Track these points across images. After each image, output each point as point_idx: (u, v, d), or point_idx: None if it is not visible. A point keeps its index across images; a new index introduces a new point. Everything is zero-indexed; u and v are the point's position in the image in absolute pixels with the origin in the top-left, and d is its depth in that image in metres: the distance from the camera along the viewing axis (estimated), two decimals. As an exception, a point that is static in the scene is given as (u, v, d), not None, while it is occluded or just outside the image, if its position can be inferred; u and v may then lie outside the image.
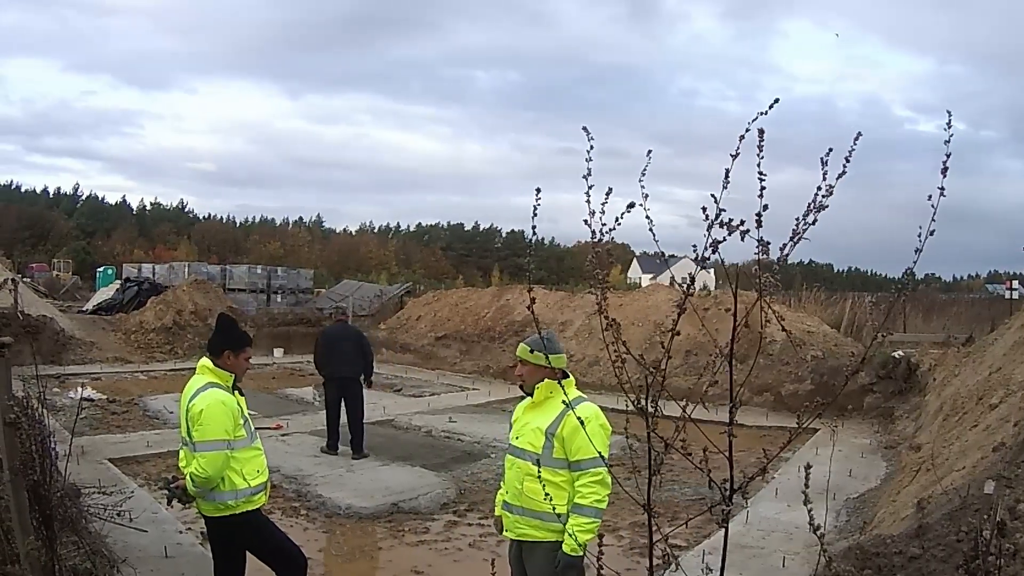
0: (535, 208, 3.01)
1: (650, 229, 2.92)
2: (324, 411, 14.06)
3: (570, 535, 4.95)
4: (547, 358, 5.01)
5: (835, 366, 18.95)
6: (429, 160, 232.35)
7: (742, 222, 2.59)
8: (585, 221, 2.85)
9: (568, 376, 5.30)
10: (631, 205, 2.79)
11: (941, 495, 7.08)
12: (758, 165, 2.61)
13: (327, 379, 14.10)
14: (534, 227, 3.05)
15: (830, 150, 2.59)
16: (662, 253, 3.01)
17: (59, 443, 6.62)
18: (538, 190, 3.05)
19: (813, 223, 2.64)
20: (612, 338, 3.00)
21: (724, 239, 2.64)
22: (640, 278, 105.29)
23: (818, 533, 2.59)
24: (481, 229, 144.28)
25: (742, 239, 2.62)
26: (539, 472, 4.82)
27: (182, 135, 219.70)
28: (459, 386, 23.42)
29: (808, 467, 2.64)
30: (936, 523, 5.47)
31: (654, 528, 7.85)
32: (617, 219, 2.81)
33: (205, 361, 6.05)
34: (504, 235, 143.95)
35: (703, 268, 2.88)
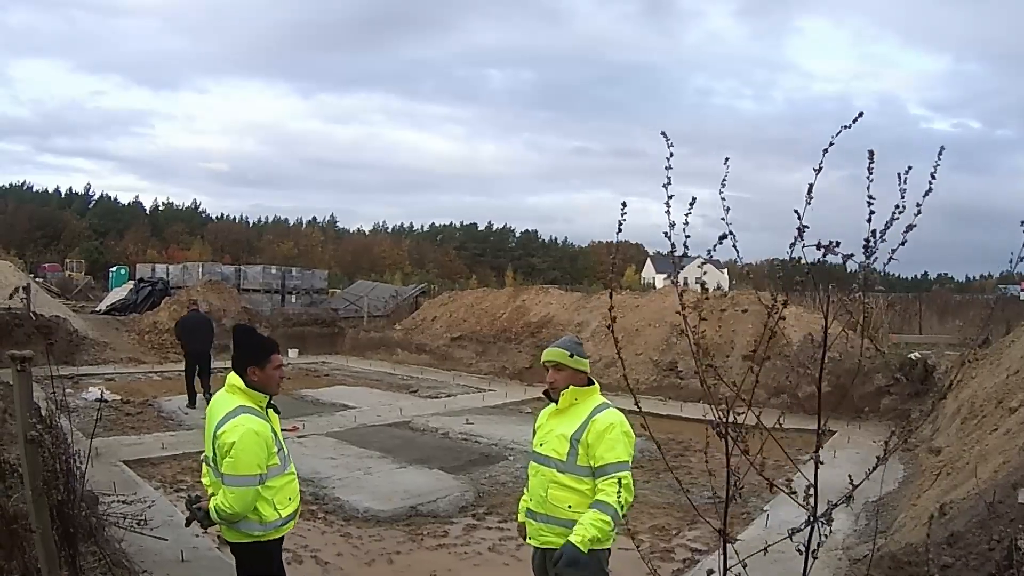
0: (620, 224, 2.96)
1: (734, 246, 2.88)
2: (336, 413, 17.22)
3: (581, 525, 4.77)
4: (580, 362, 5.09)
5: (851, 368, 18.85)
6: (443, 160, 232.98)
7: (838, 243, 2.54)
8: (665, 234, 2.81)
9: (593, 383, 5.27)
10: (723, 237, 2.76)
11: (964, 500, 7.02)
12: (868, 188, 2.55)
13: (187, 353, 18.76)
14: (616, 242, 3.02)
15: (909, 168, 2.53)
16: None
17: (75, 445, 6.57)
18: (624, 204, 3.01)
19: (902, 244, 2.59)
20: (695, 355, 2.96)
21: (817, 261, 2.59)
22: (654, 278, 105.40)
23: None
24: (495, 229, 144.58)
25: (844, 263, 2.57)
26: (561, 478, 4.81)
27: (194, 135, 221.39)
28: (475, 387, 23.41)
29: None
30: (967, 531, 5.41)
31: (675, 533, 7.79)
32: (719, 240, 2.77)
33: (235, 379, 5.42)
34: (518, 235, 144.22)
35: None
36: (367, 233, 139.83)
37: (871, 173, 2.53)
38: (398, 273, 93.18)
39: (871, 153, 2.51)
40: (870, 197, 2.52)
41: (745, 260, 2.79)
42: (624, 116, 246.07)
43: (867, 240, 2.54)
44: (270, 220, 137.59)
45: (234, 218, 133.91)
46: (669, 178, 2.79)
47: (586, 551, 4.70)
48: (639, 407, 3.62)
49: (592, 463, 4.98)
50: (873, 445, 14.38)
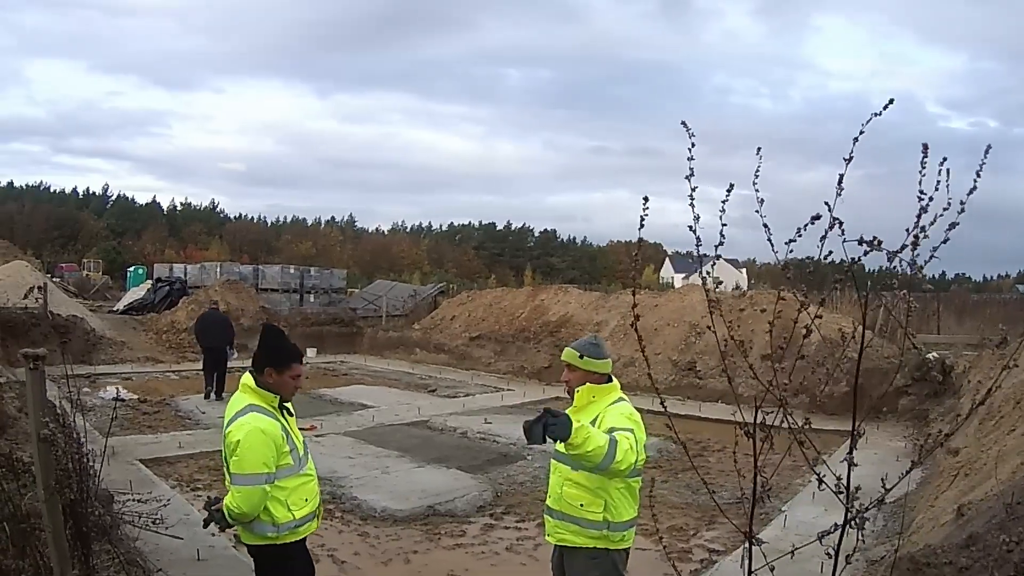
0: (642, 219, 2.94)
1: (769, 240, 2.87)
2: (354, 412, 18.05)
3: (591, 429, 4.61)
4: (597, 363, 5.06)
5: (869, 368, 18.79)
6: (461, 159, 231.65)
7: (880, 241, 2.51)
8: (690, 227, 2.79)
9: (612, 380, 5.25)
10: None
11: (982, 501, 6.98)
12: (919, 183, 2.52)
13: (204, 348, 20.08)
14: (640, 239, 2.98)
15: (944, 160, 2.51)
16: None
17: (91, 443, 6.57)
18: (645, 199, 2.98)
19: (945, 241, 2.57)
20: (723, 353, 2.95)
21: (860, 257, 2.57)
22: (672, 277, 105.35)
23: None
24: (513, 228, 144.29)
25: (889, 261, 2.55)
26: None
27: (211, 135, 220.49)
28: (494, 387, 23.44)
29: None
30: (986, 533, 5.38)
31: (692, 533, 7.77)
32: (718, 243, 2.75)
33: (247, 379, 5.38)
34: (537, 235, 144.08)
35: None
36: (386, 233, 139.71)
37: (924, 167, 2.49)
38: (417, 273, 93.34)
39: (925, 147, 2.48)
40: (921, 192, 2.49)
41: (762, 259, 2.79)
42: (642, 115, 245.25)
43: (915, 236, 2.51)
44: (288, 220, 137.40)
45: (252, 218, 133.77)
46: (692, 169, 2.78)
47: (568, 436, 4.45)
48: (664, 407, 3.60)
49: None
50: (890, 445, 14.33)
